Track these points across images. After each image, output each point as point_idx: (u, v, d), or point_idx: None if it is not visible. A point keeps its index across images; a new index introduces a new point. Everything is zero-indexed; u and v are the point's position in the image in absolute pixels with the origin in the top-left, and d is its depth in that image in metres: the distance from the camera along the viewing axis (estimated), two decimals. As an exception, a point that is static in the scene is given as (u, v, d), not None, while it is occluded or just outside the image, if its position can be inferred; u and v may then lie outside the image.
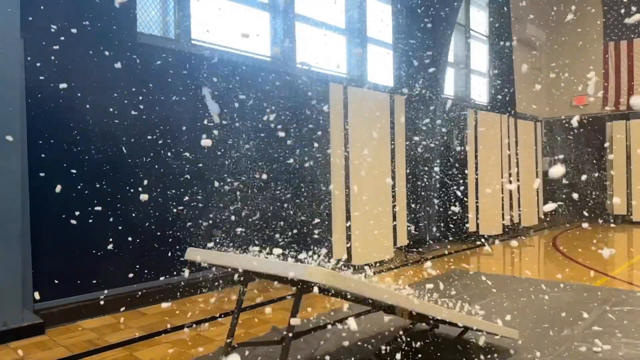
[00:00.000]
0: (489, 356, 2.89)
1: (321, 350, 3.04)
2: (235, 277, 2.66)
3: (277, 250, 2.62)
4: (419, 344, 3.08)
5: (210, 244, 4.83)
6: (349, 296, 2.65)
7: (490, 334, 2.90)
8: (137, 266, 4.40)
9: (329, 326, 3.11)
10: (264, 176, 5.28)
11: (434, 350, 2.99)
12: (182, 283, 4.65)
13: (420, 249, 6.90)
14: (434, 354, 2.93)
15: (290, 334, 2.11)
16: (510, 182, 8.68)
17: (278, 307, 4.11)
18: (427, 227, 7.38)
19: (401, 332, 3.23)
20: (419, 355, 2.90)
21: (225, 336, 3.40)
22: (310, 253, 5.45)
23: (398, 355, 2.87)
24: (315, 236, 5.71)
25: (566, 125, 11.61)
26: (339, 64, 6.84)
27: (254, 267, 2.24)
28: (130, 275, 4.36)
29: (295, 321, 2.07)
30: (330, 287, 2.17)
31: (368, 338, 3.25)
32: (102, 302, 4.04)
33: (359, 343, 3.17)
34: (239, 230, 5.20)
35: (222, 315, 3.93)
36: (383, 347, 3.03)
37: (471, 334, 3.01)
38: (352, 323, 2.16)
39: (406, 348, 3.02)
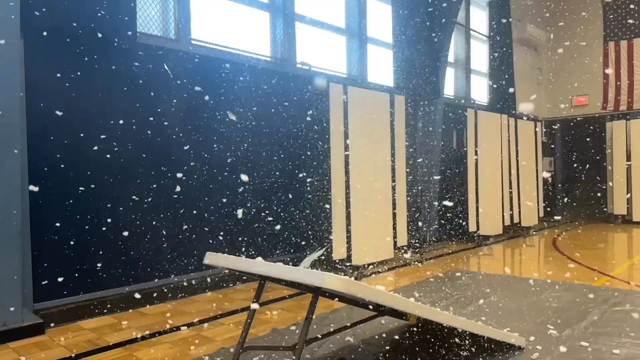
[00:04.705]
0: (492, 357, 2.89)
1: (325, 354, 3.04)
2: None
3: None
4: (425, 345, 3.09)
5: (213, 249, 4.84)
6: (359, 301, 2.67)
7: (496, 341, 2.92)
8: (137, 266, 4.41)
9: (337, 335, 3.11)
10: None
11: (438, 350, 2.99)
12: (182, 283, 4.65)
13: (420, 249, 6.90)
14: (439, 354, 2.93)
15: (303, 343, 2.14)
16: (510, 182, 8.68)
17: (277, 308, 4.11)
18: (427, 227, 7.38)
19: (407, 335, 3.24)
20: (427, 356, 2.90)
21: (225, 336, 3.41)
22: (310, 253, 5.45)
23: (405, 357, 2.87)
24: (316, 236, 5.71)
25: (563, 126, 11.62)
26: (339, 63, 6.84)
27: (271, 273, 2.27)
28: (131, 275, 4.37)
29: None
30: (346, 294, 2.20)
31: (373, 341, 3.25)
32: (101, 302, 4.06)
33: (364, 347, 3.16)
34: (239, 230, 5.20)
35: (223, 316, 3.93)
36: (388, 351, 3.03)
37: (477, 336, 3.00)
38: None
39: (413, 350, 3.02)
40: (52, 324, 3.64)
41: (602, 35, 11.16)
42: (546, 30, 11.65)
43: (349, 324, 2.93)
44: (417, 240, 7.16)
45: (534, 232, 9.00)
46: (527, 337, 3.18)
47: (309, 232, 5.77)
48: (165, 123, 4.63)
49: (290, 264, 4.45)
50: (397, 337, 3.26)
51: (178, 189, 4.71)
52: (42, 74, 3.84)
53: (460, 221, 7.94)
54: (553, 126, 11.95)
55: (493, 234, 8.07)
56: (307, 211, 5.79)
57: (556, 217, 11.26)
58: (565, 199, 11.62)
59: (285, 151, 5.69)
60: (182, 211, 4.73)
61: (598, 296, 4.21)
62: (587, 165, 11.14)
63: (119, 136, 4.31)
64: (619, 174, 10.27)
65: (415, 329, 3.36)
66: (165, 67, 4.43)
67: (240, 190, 5.21)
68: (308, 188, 5.77)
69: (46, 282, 3.86)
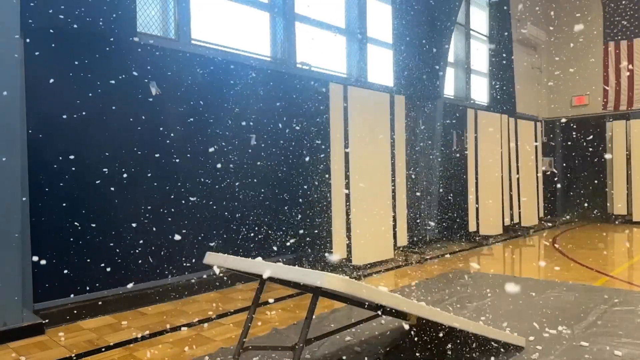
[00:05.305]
0: (492, 357, 2.89)
1: (325, 354, 3.04)
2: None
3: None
4: (425, 345, 3.09)
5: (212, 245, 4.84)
6: (359, 301, 2.67)
7: (496, 341, 2.92)
8: (137, 266, 4.41)
9: (337, 335, 3.11)
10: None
11: (438, 350, 2.98)
12: (182, 283, 4.65)
13: (420, 249, 6.90)
14: (439, 354, 2.93)
15: (303, 343, 2.14)
16: (510, 181, 8.68)
17: (278, 307, 4.11)
18: (427, 227, 7.38)
19: (407, 335, 3.24)
20: (427, 356, 2.90)
21: (225, 336, 3.41)
22: (310, 254, 5.46)
23: (405, 357, 2.87)
24: (316, 236, 5.71)
25: (563, 124, 11.62)
26: (339, 63, 6.84)
27: (271, 273, 2.28)
28: (131, 275, 4.37)
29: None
30: (346, 294, 2.20)
31: (373, 341, 3.25)
32: (101, 302, 4.06)
33: (364, 346, 3.16)
34: (239, 230, 5.20)
35: (223, 316, 3.93)
36: (388, 351, 3.03)
37: (477, 336, 3.01)
38: None
39: (413, 350, 3.02)
40: (52, 324, 3.64)
41: (602, 35, 11.16)
42: (546, 30, 11.64)
43: (349, 324, 2.92)
44: (417, 241, 7.16)
45: (534, 232, 9.00)
46: (527, 337, 3.18)
47: (309, 232, 5.76)
48: (165, 123, 4.63)
49: (291, 264, 4.45)
50: (397, 337, 3.26)
51: (178, 189, 4.71)
52: (42, 74, 3.84)
53: (461, 221, 7.94)
54: (553, 126, 11.95)
55: (493, 234, 8.07)
56: (307, 211, 5.79)
57: (556, 217, 11.26)
58: (566, 199, 11.62)
59: (285, 151, 5.69)
60: (182, 211, 4.73)
61: (598, 296, 4.21)
62: (587, 165, 11.14)
63: (118, 136, 4.31)
64: (619, 174, 10.27)
65: (415, 329, 3.36)
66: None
67: (241, 190, 5.21)
68: (308, 188, 5.77)
69: (46, 282, 3.86)
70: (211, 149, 4.96)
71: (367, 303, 2.68)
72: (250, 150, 5.31)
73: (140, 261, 4.42)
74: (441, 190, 7.83)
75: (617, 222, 10.17)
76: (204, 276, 4.81)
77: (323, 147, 5.71)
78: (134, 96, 4.40)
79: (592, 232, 9.02)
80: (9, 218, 3.36)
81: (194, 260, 4.74)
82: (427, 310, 2.50)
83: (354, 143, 5.81)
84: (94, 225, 4.14)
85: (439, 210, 7.76)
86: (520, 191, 9.04)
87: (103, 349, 3.20)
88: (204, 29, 5.21)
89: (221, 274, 4.86)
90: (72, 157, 4.01)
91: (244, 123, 5.25)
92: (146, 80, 4.47)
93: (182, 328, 3.60)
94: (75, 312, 3.89)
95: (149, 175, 4.50)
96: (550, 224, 10.03)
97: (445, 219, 7.94)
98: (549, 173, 11.12)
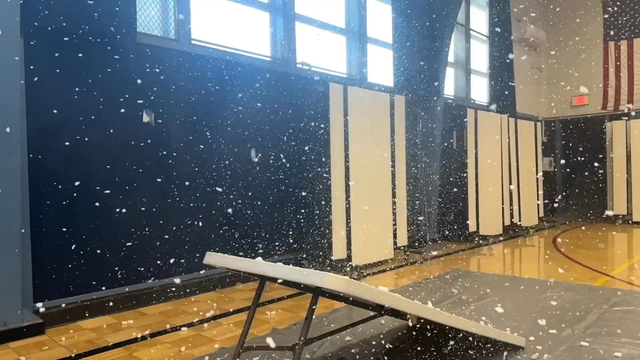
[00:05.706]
0: (493, 358, 2.89)
1: (325, 354, 3.04)
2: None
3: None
4: (425, 345, 3.09)
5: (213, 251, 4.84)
6: (359, 301, 2.67)
7: (496, 341, 2.92)
8: (137, 266, 4.41)
9: (337, 335, 3.11)
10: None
11: (438, 351, 2.98)
12: (182, 283, 4.65)
13: (420, 249, 6.90)
14: (439, 354, 2.93)
15: (303, 343, 2.14)
16: (510, 182, 8.68)
17: (277, 308, 4.11)
18: (427, 227, 7.38)
19: (407, 335, 3.24)
20: (427, 356, 2.90)
21: (225, 336, 3.41)
22: (310, 254, 5.46)
23: (405, 357, 2.87)
24: (316, 236, 5.71)
25: (563, 126, 11.62)
26: (339, 63, 6.84)
27: (271, 273, 2.27)
28: (131, 275, 4.36)
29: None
30: (346, 294, 2.20)
31: (373, 341, 3.25)
32: (101, 302, 4.06)
33: (364, 347, 3.16)
34: (239, 231, 5.20)
35: (223, 316, 3.93)
36: (388, 351, 3.03)
37: (477, 336, 3.01)
38: None
39: (413, 350, 3.02)
40: (52, 324, 3.64)
41: (602, 35, 11.15)
42: (546, 30, 11.65)
43: (349, 324, 2.92)
44: (417, 240, 7.16)
45: (534, 232, 9.00)
46: (527, 337, 3.18)
47: (309, 232, 5.76)
48: (165, 123, 4.63)
49: (291, 264, 4.44)
50: (397, 337, 3.26)
51: (178, 188, 4.71)
52: (42, 74, 3.84)
53: (461, 221, 7.94)
54: (553, 126, 11.95)
55: (493, 234, 8.07)
56: (307, 211, 5.79)
57: (556, 217, 11.26)
58: (566, 199, 11.62)
59: (285, 151, 5.69)
60: (182, 211, 4.72)
61: (598, 296, 4.21)
62: (587, 166, 11.14)
63: (118, 136, 4.31)
64: (619, 174, 10.27)
65: (415, 329, 3.36)
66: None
67: (240, 190, 5.21)
68: (308, 188, 5.77)
69: (46, 282, 3.86)
70: (211, 149, 4.96)
71: (367, 303, 2.68)
72: (250, 150, 5.31)
73: (140, 261, 4.41)
74: (441, 190, 7.83)
75: (617, 222, 10.17)
76: (204, 276, 4.80)
77: (323, 146, 5.70)
78: (133, 97, 4.40)
79: (592, 231, 9.02)
80: (9, 218, 3.36)
81: (194, 260, 4.73)
82: (427, 310, 2.50)
83: (354, 143, 5.81)
84: (93, 225, 4.14)
85: (439, 210, 7.76)
86: (520, 191, 9.04)
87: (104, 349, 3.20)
88: (204, 29, 5.21)
89: (221, 274, 4.86)
90: (71, 157, 4.01)
91: (243, 123, 5.24)
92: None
93: (182, 328, 3.60)
94: (75, 312, 3.88)
95: (149, 175, 4.50)
96: (550, 224, 10.03)
97: (445, 219, 7.94)
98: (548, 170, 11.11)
